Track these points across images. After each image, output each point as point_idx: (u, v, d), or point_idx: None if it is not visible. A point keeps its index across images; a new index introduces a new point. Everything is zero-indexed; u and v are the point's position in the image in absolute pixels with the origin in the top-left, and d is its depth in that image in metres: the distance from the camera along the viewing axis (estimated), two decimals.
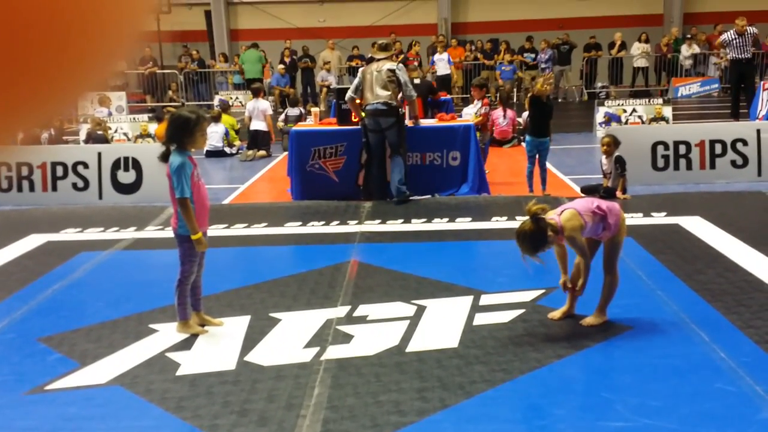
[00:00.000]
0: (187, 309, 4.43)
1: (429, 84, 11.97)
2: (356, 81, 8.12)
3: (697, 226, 6.63)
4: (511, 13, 23.42)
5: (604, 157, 7.97)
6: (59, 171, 8.87)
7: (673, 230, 6.55)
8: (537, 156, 8.20)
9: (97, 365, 4.07)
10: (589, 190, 8.07)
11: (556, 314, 4.51)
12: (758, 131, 8.87)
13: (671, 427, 3.23)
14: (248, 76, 19.39)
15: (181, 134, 4.28)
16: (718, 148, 8.78)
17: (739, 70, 13.96)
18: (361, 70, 8.31)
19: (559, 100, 19.42)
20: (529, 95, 9.38)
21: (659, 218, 6.98)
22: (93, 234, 7.08)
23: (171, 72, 21.44)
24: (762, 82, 13.46)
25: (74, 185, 8.84)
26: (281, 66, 19.61)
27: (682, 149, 8.78)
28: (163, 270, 5.30)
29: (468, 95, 15.61)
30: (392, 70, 7.89)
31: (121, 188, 8.83)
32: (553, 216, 4.20)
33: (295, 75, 20.25)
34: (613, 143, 7.92)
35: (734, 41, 13.79)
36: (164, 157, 4.31)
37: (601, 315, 4.41)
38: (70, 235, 7.07)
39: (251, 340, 4.33)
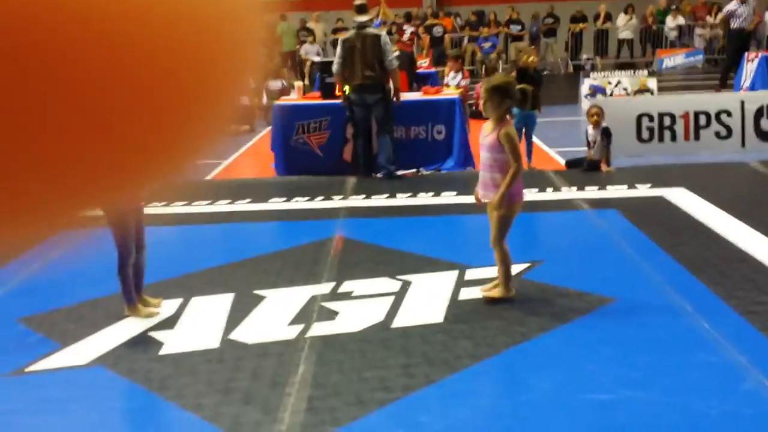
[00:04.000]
0: (131, 293, 4.33)
1: (409, 55, 11.83)
2: (339, 51, 7.81)
3: (682, 197, 6.64)
4: None
5: (590, 127, 7.93)
6: None
7: (658, 202, 6.56)
8: (524, 128, 8.15)
9: (78, 345, 4.03)
10: (573, 164, 8.06)
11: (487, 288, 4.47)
12: (742, 102, 8.86)
13: (655, 399, 3.24)
14: (286, 49, 18.69)
15: None
16: (703, 120, 8.77)
17: (743, 39, 13.61)
18: (341, 39, 8.03)
19: (545, 73, 19.32)
20: (516, 68, 9.31)
21: (644, 190, 6.98)
22: None
23: None
24: (746, 54, 13.37)
25: None
26: None
27: (667, 121, 8.77)
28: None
29: None
30: (378, 36, 7.76)
31: None
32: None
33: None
34: (602, 113, 7.89)
35: (738, 10, 13.44)
36: None
37: (502, 289, 4.37)
38: None
39: (235, 318, 4.30)
